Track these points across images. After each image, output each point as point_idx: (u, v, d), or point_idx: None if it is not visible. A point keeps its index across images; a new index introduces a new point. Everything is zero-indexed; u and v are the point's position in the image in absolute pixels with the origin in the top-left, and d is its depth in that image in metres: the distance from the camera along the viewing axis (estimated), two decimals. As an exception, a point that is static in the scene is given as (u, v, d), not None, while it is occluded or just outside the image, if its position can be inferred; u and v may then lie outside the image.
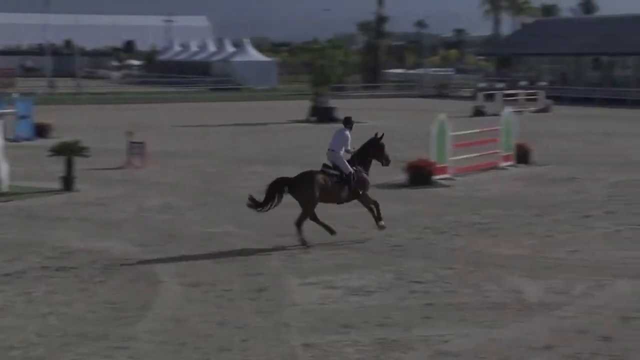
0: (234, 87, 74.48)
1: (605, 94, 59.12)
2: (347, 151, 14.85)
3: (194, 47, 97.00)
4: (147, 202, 18.71)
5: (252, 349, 9.28)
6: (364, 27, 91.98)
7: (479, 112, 45.53)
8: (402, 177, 21.15)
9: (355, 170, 14.67)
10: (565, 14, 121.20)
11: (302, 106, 44.21)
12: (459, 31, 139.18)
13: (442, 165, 21.39)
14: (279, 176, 14.72)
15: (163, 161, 25.27)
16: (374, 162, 15.38)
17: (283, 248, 14.14)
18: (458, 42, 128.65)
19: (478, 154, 23.08)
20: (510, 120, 24.37)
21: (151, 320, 10.28)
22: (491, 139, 23.94)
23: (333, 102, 44.39)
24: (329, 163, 14.84)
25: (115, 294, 11.40)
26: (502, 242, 14.48)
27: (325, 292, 11.50)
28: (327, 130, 36.74)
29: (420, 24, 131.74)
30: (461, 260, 13.23)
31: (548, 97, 51.17)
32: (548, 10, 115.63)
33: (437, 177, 21.03)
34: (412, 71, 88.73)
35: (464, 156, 22.47)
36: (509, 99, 46.44)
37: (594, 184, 20.91)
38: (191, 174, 23.17)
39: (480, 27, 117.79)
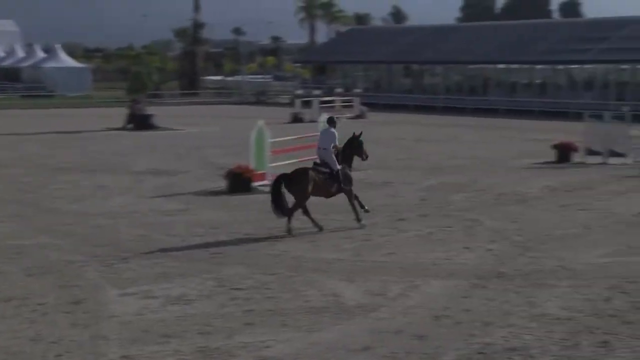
0: (45, 93, 72.03)
1: (416, 101, 61.37)
2: (334, 147, 16.14)
3: (0, 53, 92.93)
4: (-48, 215, 17.78)
5: (68, 364, 8.99)
6: (180, 33, 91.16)
7: (297, 119, 46.16)
8: (221, 184, 21.14)
9: (342, 167, 16.08)
10: (377, 22, 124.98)
11: (119, 113, 43.32)
12: (276, 38, 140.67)
13: (261, 171, 21.51)
14: (279, 174, 16.01)
15: (-30, 171, 24.09)
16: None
17: (100, 259, 13.76)
18: (275, 49, 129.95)
19: (296, 160, 23.33)
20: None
21: (-41, 339, 9.75)
22: (309, 145, 24.27)
23: (150, 110, 43.77)
24: (318, 161, 16.25)
25: None
26: (321, 247, 14.69)
27: (145, 302, 11.30)
28: (145, 138, 36.35)
29: (237, 31, 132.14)
30: (282, 265, 13.32)
31: (363, 104, 52.49)
32: (361, 19, 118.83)
33: (257, 183, 21.12)
34: (230, 78, 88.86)
35: (283, 162, 22.67)
36: (326, 106, 47.31)
37: (408, 188, 21.60)
38: (1, 184, 22.20)
39: (296, 35, 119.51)
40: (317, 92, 55.32)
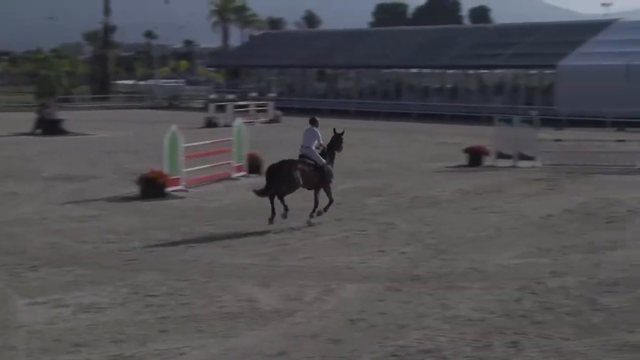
0: (-53, 98, 69.98)
1: (330, 105, 61.59)
2: (320, 144, 17.28)
3: None
4: None
5: (-25, 377, 8.73)
6: (91, 36, 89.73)
7: (211, 124, 45.88)
8: (134, 189, 20.85)
9: (325, 162, 17.18)
10: (290, 27, 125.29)
11: (27, 118, 42.33)
12: (189, 42, 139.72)
13: (175, 176, 21.30)
14: (271, 163, 17.03)
15: None
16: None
17: (8, 267, 13.38)
18: (188, 53, 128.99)
19: (211, 165, 23.23)
20: (241, 131, 24.74)
21: None
22: (223, 150, 24.19)
23: (60, 114, 42.90)
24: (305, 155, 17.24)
25: None
26: (236, 252, 14.59)
27: (55, 311, 11.04)
28: (55, 143, 35.60)
29: (149, 34, 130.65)
30: (196, 271, 13.19)
31: (277, 108, 52.49)
32: (274, 23, 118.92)
33: (170, 189, 20.90)
34: (142, 82, 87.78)
35: (197, 167, 22.52)
36: (240, 110, 47.16)
37: (324, 192, 21.58)
38: None
39: (209, 39, 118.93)
40: (231, 96, 55.09)
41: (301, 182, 16.89)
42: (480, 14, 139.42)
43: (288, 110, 54.80)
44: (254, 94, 57.73)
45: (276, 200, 16.72)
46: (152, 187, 20.50)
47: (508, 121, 28.76)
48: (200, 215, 18.36)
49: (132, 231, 16.31)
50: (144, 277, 12.78)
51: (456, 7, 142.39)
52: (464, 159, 27.74)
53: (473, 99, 57.29)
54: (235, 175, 23.93)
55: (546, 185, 23.03)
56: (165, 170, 21.13)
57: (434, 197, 21.06)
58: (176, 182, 21.23)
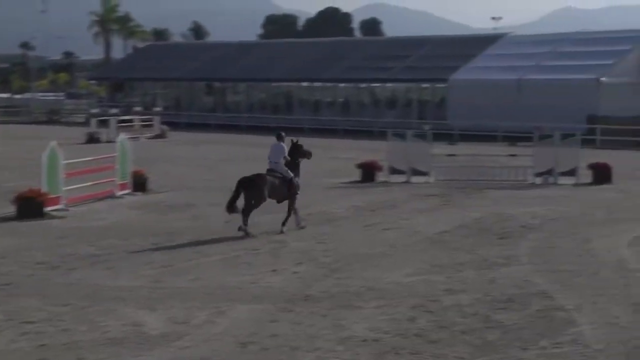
0: None
1: (219, 120, 60.92)
2: (284, 158, 18.02)
3: None
4: None
5: None
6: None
7: (93, 139, 44.68)
8: (10, 209, 19.87)
9: (293, 176, 17.94)
10: (177, 38, 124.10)
11: None
12: (69, 54, 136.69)
13: (55, 195, 20.44)
14: (242, 177, 17.44)
15: None
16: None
17: None
18: (68, 65, 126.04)
19: (93, 183, 22.46)
20: (125, 147, 23.99)
21: None
22: (106, 167, 23.42)
23: None
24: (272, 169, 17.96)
25: None
26: (120, 274, 14.01)
27: None
28: None
29: (25, 45, 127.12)
30: (77, 295, 12.57)
31: (163, 123, 51.58)
32: (160, 34, 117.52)
33: (49, 208, 20.04)
34: (18, 96, 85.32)
35: (78, 185, 21.72)
36: (124, 125, 46.08)
37: (212, 210, 21.04)
38: None
39: (90, 50, 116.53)
40: (114, 110, 53.90)
41: (267, 197, 17.48)
42: (372, 26, 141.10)
43: (175, 125, 53.97)
44: (138, 108, 56.59)
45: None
46: (30, 206, 19.60)
47: (401, 136, 28.55)
48: (82, 235, 17.64)
49: (7, 253, 15.53)
50: (20, 303, 12.14)
51: (347, 19, 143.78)
52: (357, 175, 27.55)
53: (366, 113, 57.16)
54: (119, 193, 23.16)
55: (440, 201, 23.04)
56: (44, 188, 20.25)
57: (328, 213, 20.80)
58: (56, 201, 20.42)
